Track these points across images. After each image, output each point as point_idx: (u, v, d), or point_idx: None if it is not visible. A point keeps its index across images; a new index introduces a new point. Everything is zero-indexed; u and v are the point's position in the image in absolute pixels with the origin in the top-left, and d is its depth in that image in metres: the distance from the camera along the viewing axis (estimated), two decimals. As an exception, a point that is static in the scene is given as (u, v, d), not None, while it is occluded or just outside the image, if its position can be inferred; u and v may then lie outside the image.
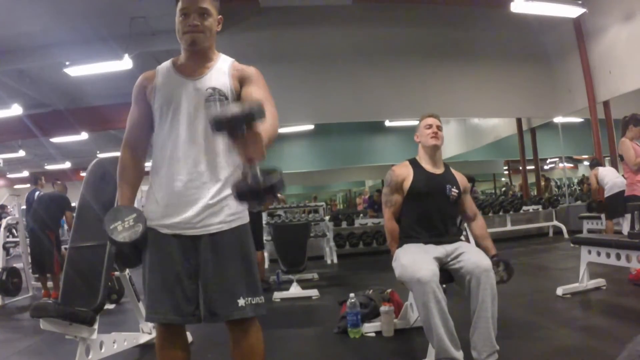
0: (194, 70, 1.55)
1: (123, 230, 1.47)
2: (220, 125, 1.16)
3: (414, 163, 2.55)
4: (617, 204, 4.76)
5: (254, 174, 1.18)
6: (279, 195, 1.24)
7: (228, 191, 1.50)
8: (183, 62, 1.58)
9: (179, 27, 1.53)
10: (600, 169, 5.63)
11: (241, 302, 1.46)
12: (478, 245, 2.54)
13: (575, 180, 14.56)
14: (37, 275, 5.23)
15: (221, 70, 1.56)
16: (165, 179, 1.52)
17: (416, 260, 2.19)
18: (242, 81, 1.56)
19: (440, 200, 2.45)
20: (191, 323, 1.52)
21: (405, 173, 2.50)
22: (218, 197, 1.50)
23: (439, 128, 2.55)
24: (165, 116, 1.53)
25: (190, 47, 1.54)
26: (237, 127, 1.16)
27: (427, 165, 2.53)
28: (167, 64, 1.60)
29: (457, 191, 2.49)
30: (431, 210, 2.44)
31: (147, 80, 1.59)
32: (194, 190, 1.49)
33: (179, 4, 1.52)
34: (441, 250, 2.31)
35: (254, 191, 1.19)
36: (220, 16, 1.59)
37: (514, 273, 2.38)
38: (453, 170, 2.62)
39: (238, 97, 1.55)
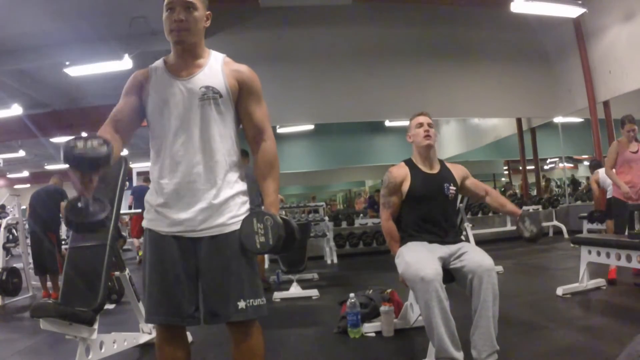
0: (184, 70, 1.52)
1: (82, 148, 1.25)
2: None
3: (410, 164, 2.55)
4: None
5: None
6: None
7: (229, 193, 1.50)
8: (173, 62, 1.55)
9: (165, 23, 1.50)
10: (600, 172, 5.59)
11: (242, 304, 1.46)
12: (503, 212, 2.60)
13: (566, 182, 14.30)
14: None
15: (213, 68, 1.53)
16: (164, 181, 1.51)
17: (420, 259, 2.18)
18: (240, 84, 1.54)
19: (439, 200, 2.45)
20: (191, 325, 1.52)
21: (403, 174, 2.50)
22: (218, 200, 1.48)
23: (431, 126, 2.54)
24: (159, 119, 1.51)
25: (177, 45, 1.51)
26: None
27: (423, 166, 2.52)
28: (159, 63, 1.57)
29: (454, 188, 2.49)
30: (431, 211, 2.44)
31: (141, 79, 1.55)
32: (193, 192, 1.48)
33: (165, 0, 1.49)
34: (445, 250, 2.31)
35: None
36: (209, 12, 1.56)
37: (541, 227, 2.42)
38: (448, 164, 2.61)
39: (235, 94, 1.53)
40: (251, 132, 1.58)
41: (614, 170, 4.16)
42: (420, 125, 2.53)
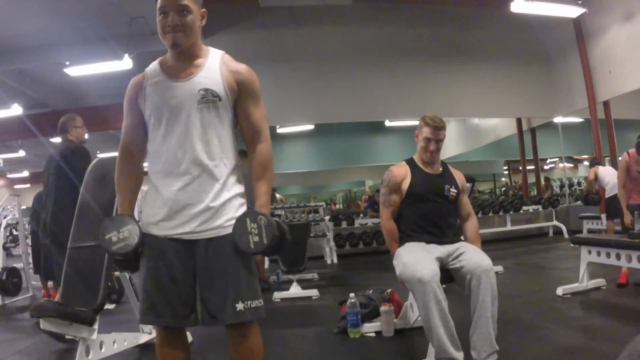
0: (182, 71, 1.50)
1: (117, 242, 1.48)
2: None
3: (411, 163, 2.55)
4: (617, 205, 4.77)
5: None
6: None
7: (226, 195, 1.49)
8: (170, 63, 1.53)
9: (159, 26, 1.48)
10: (600, 168, 5.61)
11: (240, 306, 1.45)
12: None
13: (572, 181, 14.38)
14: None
15: (211, 69, 1.51)
16: (162, 183, 1.50)
17: (418, 260, 2.19)
18: (239, 86, 1.52)
19: (439, 200, 2.45)
20: (186, 326, 1.51)
21: (403, 173, 2.50)
22: (216, 202, 1.47)
23: (439, 143, 2.47)
24: (158, 122, 1.50)
25: (173, 48, 1.49)
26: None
27: (424, 166, 2.52)
28: (155, 65, 1.56)
29: (455, 191, 2.49)
30: (431, 211, 2.44)
31: (136, 87, 1.55)
32: (190, 194, 1.47)
33: (158, 2, 1.46)
34: (443, 250, 2.31)
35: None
36: (203, 9, 1.53)
37: None
38: (452, 169, 2.61)
39: (233, 96, 1.51)
40: (249, 133, 1.57)
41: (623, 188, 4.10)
42: (428, 141, 2.46)
